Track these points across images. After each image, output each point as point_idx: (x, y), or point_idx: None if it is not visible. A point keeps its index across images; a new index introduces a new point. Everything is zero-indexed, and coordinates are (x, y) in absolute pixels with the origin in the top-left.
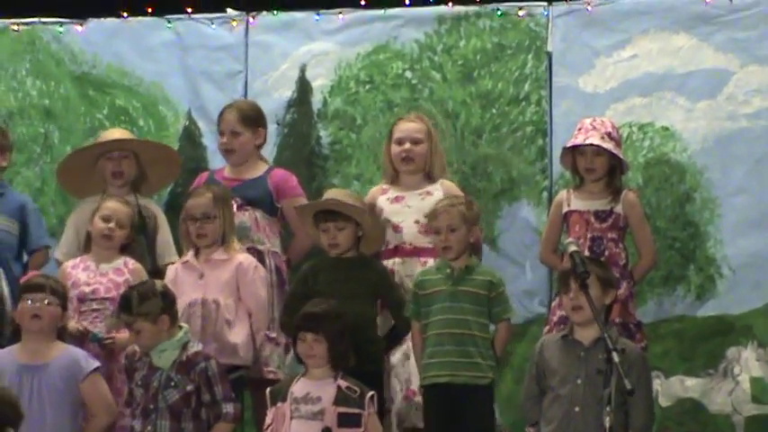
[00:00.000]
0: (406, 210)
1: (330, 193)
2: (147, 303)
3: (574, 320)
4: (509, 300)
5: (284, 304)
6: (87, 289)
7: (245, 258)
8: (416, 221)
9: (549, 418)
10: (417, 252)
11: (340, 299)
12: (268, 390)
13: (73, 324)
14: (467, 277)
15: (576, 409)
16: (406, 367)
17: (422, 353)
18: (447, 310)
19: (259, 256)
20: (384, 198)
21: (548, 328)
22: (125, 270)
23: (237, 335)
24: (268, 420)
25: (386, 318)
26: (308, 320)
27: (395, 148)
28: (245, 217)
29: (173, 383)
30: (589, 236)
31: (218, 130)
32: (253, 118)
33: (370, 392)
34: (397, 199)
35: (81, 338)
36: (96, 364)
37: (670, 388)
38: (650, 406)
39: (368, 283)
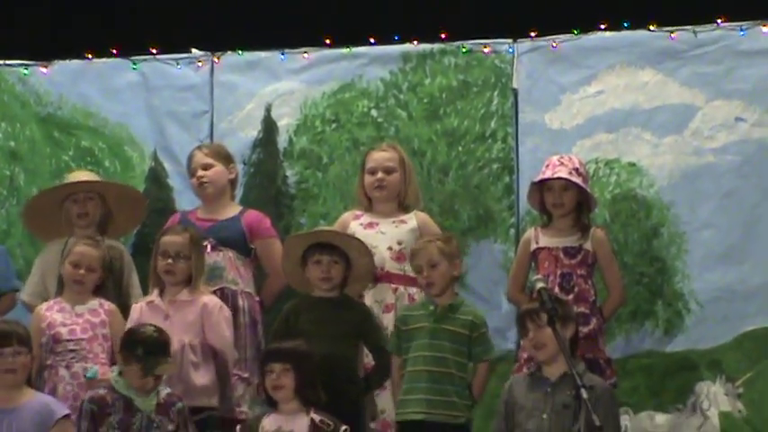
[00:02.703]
0: (380, 236)
1: (321, 230)
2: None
3: (538, 359)
4: (490, 340)
5: (267, 344)
6: (64, 330)
7: (209, 299)
8: (389, 248)
9: None
10: (389, 278)
11: (321, 338)
12: (238, 427)
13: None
14: (449, 315)
15: None
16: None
17: (399, 388)
18: (427, 347)
19: (233, 296)
20: (357, 223)
21: (517, 365)
22: (101, 311)
23: (203, 377)
24: None
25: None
26: (275, 352)
27: (368, 178)
28: (218, 257)
29: (155, 425)
30: (559, 272)
31: (188, 171)
32: (223, 153)
33: (344, 427)
34: (370, 225)
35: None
36: (66, 411)
37: (639, 424)
38: None
39: (350, 323)
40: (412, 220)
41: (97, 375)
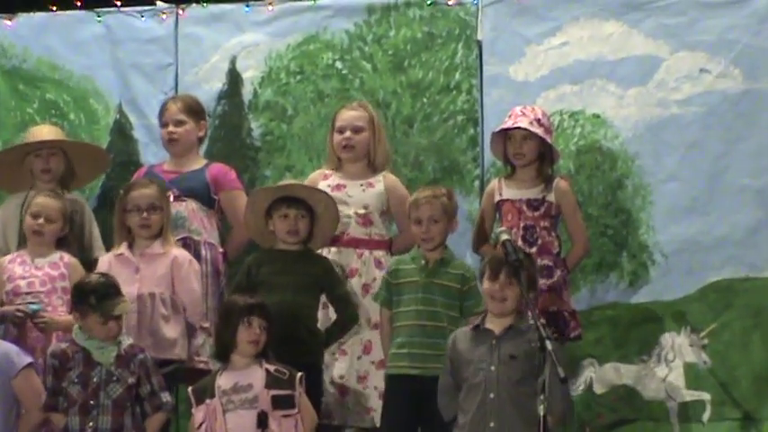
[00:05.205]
0: (347, 199)
1: (290, 184)
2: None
3: (493, 311)
4: (480, 293)
5: (229, 296)
6: (23, 282)
7: (179, 253)
8: (356, 213)
9: (465, 408)
10: (355, 243)
11: (282, 289)
12: (190, 389)
13: (9, 309)
14: (441, 270)
15: (491, 395)
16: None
17: (390, 341)
18: (420, 301)
19: (195, 245)
20: (325, 184)
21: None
22: (60, 264)
23: (173, 329)
24: (198, 419)
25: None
26: (261, 307)
27: (336, 137)
28: (181, 207)
29: (114, 378)
30: (522, 224)
31: (160, 122)
32: (196, 110)
33: (299, 373)
34: (338, 187)
35: (21, 324)
36: (29, 359)
37: (604, 375)
38: (567, 392)
39: (311, 276)
40: (380, 183)
41: (41, 308)
